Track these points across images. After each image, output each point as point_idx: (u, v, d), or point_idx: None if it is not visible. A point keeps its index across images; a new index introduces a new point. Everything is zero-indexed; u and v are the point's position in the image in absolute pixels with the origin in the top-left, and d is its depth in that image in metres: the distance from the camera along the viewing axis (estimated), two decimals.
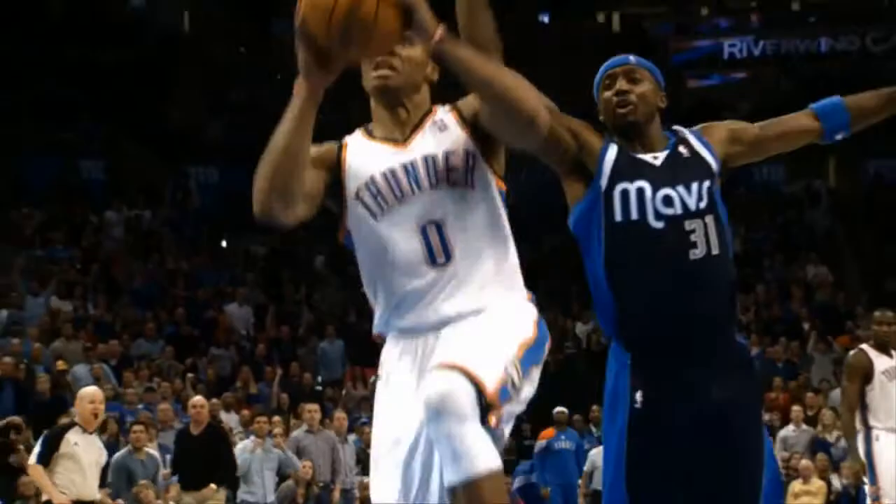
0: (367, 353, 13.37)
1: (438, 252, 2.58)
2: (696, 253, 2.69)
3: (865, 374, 7.50)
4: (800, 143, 3.08)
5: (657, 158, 2.85)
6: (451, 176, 2.61)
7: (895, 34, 24.04)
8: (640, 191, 2.75)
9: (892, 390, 7.41)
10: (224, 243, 21.10)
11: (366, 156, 2.63)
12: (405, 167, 2.57)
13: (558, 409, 14.64)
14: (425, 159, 2.57)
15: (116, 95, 22.14)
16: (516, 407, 2.50)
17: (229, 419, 13.89)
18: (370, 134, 2.68)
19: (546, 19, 25.34)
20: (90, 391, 8.52)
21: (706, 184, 2.76)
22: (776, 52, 24.08)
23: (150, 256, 18.96)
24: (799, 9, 26.16)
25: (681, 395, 2.72)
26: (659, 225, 2.73)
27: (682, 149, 2.87)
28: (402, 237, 2.58)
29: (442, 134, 2.62)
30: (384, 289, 2.63)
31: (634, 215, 2.74)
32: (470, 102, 2.62)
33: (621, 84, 2.88)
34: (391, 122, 2.64)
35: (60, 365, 14.18)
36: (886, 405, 7.34)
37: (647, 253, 2.73)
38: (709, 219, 2.73)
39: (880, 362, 7.50)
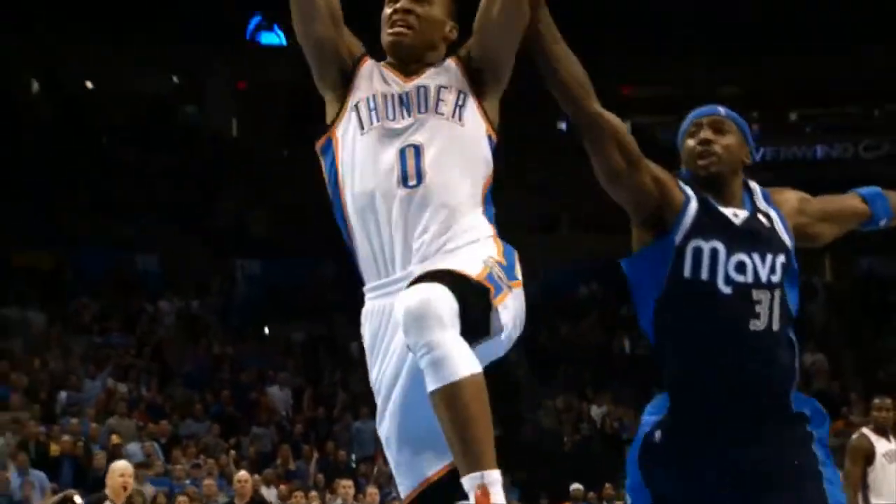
0: None
1: (411, 174, 2.58)
2: (757, 325, 2.57)
3: (867, 456, 7.85)
4: (849, 225, 2.99)
5: (737, 216, 2.73)
6: (440, 107, 2.66)
7: (886, 142, 25.45)
8: (714, 252, 2.64)
9: (892, 471, 7.79)
10: (266, 330, 21.72)
11: (375, 75, 2.72)
12: (401, 95, 2.66)
13: (575, 485, 14.96)
14: (418, 89, 2.66)
15: (170, 194, 23.15)
16: (508, 307, 2.47)
17: (269, 494, 14.10)
18: (386, 62, 2.76)
19: (564, 126, 26.36)
20: (120, 465, 8.56)
21: (780, 258, 2.66)
22: (775, 158, 25.35)
23: (199, 342, 19.49)
24: (796, 119, 27.76)
25: (713, 462, 2.58)
26: (727, 290, 2.61)
27: (760, 215, 2.75)
28: (380, 153, 2.61)
29: (439, 72, 2.70)
30: (353, 205, 2.64)
31: (704, 275, 2.62)
32: (471, 44, 2.74)
33: (706, 133, 2.79)
34: (401, 68, 2.74)
35: (115, 439, 14.53)
36: (888, 485, 7.72)
37: (707, 314, 2.60)
38: (777, 293, 2.61)
39: (881, 445, 7.86)
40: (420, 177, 2.56)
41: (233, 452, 15.82)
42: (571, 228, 25.83)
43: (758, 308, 2.56)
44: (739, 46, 23.79)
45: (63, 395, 16.25)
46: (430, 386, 2.21)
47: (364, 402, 17.87)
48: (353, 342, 19.95)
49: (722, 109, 2.84)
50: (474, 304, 2.30)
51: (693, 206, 2.67)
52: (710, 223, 2.65)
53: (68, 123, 23.85)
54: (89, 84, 26.45)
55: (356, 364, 19.92)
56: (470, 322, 2.27)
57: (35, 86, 26.24)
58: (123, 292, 20.56)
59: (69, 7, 23.48)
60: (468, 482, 2.18)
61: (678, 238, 2.63)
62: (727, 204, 2.72)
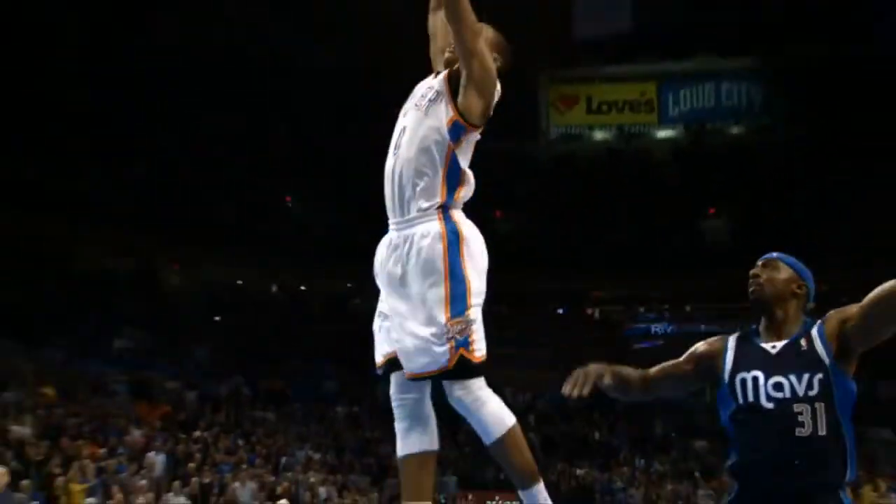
0: None
1: (395, 145, 3.50)
2: (802, 431, 2.93)
3: None
4: None
5: (775, 347, 3.17)
6: (420, 103, 3.49)
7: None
8: (755, 379, 3.09)
9: None
10: None
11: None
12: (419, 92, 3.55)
13: None
14: (420, 94, 3.51)
15: None
16: (475, 336, 3.25)
17: None
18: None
19: (562, 311, 34.19)
20: None
21: (818, 375, 3.00)
22: (680, 331, 30.62)
23: None
24: (690, 310, 32.56)
25: None
26: (769, 405, 3.03)
27: (802, 341, 3.13)
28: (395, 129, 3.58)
29: (439, 80, 3.47)
30: None
31: (751, 397, 3.08)
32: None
33: (756, 269, 3.25)
34: None
35: None
36: None
37: (759, 427, 3.02)
38: (818, 405, 2.95)
39: None
40: (397, 148, 3.46)
41: None
42: None
43: (801, 418, 2.93)
44: None
45: None
46: (485, 440, 3.24)
47: None
48: None
49: (776, 254, 3.30)
50: (467, 372, 3.19)
51: (731, 349, 3.21)
52: (748, 358, 3.13)
53: None
54: None
55: None
56: (470, 377, 3.21)
57: None
58: None
59: None
60: (528, 497, 3.23)
61: (727, 376, 3.14)
62: (772, 333, 3.17)
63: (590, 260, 29.85)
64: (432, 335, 3.20)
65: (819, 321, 3.09)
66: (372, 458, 22.71)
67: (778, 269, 3.21)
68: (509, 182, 29.30)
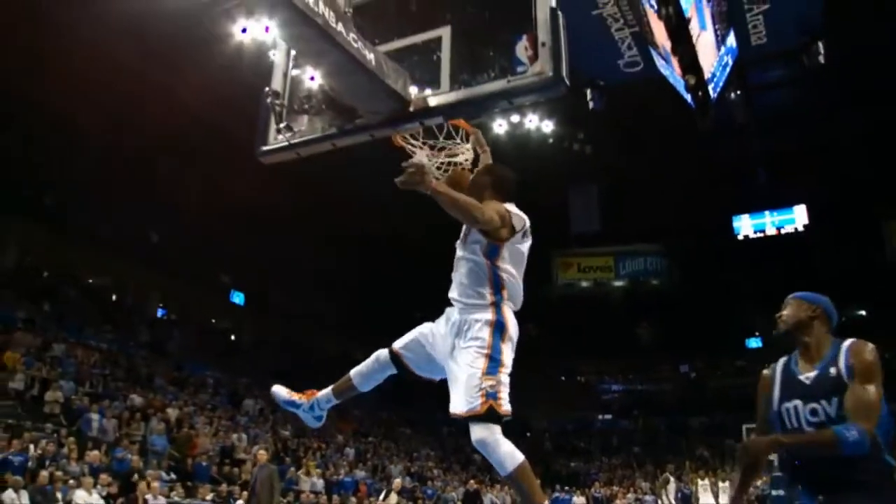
0: None
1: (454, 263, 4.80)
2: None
3: None
4: None
5: (809, 378, 3.69)
6: (461, 236, 4.70)
7: None
8: (796, 408, 3.63)
9: None
10: None
11: None
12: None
13: None
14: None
15: None
16: (502, 390, 4.31)
17: None
18: None
19: (563, 378, 46.48)
20: None
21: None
22: (624, 389, 44.05)
23: None
24: (631, 377, 45.54)
25: None
26: (810, 429, 3.55)
27: (832, 369, 3.60)
28: None
29: None
30: None
31: (794, 423, 3.61)
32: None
33: (781, 311, 3.90)
34: None
35: None
36: None
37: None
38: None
39: None
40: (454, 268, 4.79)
41: None
42: None
43: None
44: None
45: None
46: (501, 473, 4.20)
47: None
48: None
49: (794, 293, 3.99)
50: (493, 419, 4.21)
51: (777, 385, 3.86)
52: (789, 390, 3.74)
53: None
54: None
55: None
56: (494, 422, 4.26)
57: None
58: None
59: None
60: None
61: (775, 407, 3.80)
62: (807, 358, 3.81)
63: (580, 349, 43.62)
64: (472, 387, 4.23)
65: (846, 348, 3.71)
66: None
67: (792, 304, 3.96)
68: (536, 307, 45.00)
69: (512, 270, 4.66)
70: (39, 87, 25.95)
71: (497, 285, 4.62)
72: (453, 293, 4.73)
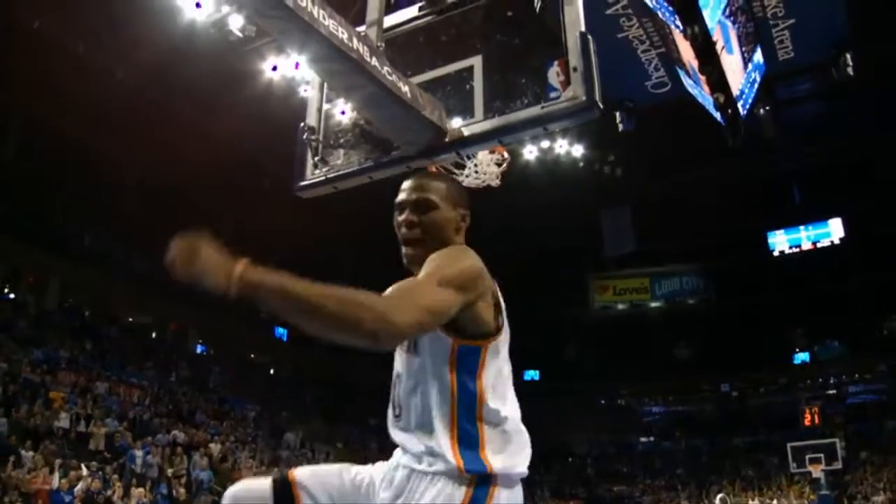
0: None
1: (395, 405, 2.71)
2: None
3: None
4: None
5: None
6: (406, 343, 2.63)
7: None
8: None
9: None
10: None
11: None
12: None
13: None
14: None
15: None
16: None
17: None
18: None
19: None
20: None
21: None
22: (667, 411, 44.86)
23: None
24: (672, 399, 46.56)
25: None
26: None
27: None
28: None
29: None
30: None
31: None
32: None
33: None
34: None
35: None
36: None
37: None
38: None
39: None
40: (399, 408, 2.73)
41: None
42: None
43: None
44: None
45: None
46: None
47: None
48: None
49: None
50: None
51: None
52: None
53: None
54: None
55: None
56: None
57: None
58: None
59: None
60: None
61: None
62: None
63: (619, 371, 42.80)
64: None
65: None
66: None
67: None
68: (574, 330, 44.07)
69: (508, 396, 2.67)
70: (80, 129, 26.81)
71: (475, 433, 2.56)
72: (396, 435, 2.77)
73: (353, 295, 2.24)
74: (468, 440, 2.54)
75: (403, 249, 2.82)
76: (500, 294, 2.70)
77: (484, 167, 5.97)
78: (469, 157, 5.97)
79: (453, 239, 2.82)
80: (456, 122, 4.43)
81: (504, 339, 2.67)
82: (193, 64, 23.69)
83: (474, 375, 2.57)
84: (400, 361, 2.76)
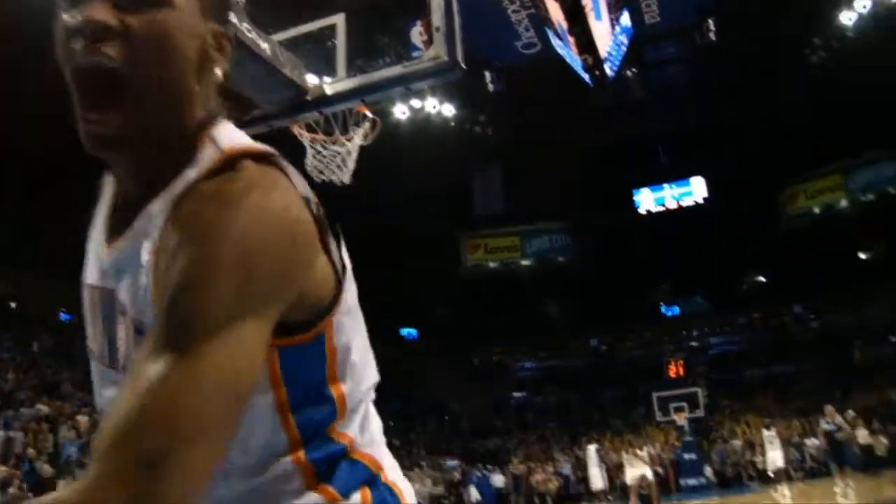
0: None
1: None
2: None
3: None
4: None
5: None
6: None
7: None
8: None
9: None
10: None
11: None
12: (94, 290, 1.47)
13: None
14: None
15: None
16: None
17: None
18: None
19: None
20: None
21: None
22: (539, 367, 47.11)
23: None
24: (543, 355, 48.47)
25: None
26: None
27: None
28: None
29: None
30: None
31: None
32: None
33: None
34: None
35: None
36: None
37: None
38: None
39: None
40: None
41: None
42: None
43: None
44: None
45: None
46: None
47: None
48: None
49: None
50: None
51: None
52: None
53: None
54: None
55: None
56: None
57: None
58: None
59: None
60: None
61: None
62: None
63: (491, 329, 42.79)
64: None
65: None
66: None
67: None
68: (446, 290, 42.83)
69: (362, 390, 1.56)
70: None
71: (328, 455, 1.47)
72: None
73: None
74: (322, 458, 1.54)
75: (82, 117, 1.27)
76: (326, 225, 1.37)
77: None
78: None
79: (193, 97, 1.36)
80: (318, 81, 4.31)
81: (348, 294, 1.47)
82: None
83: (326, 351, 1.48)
84: None
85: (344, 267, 1.44)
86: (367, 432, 1.55)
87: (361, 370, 1.53)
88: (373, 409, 1.62)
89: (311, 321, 1.37)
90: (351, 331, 1.47)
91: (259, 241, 1.18)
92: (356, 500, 1.45)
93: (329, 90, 4.28)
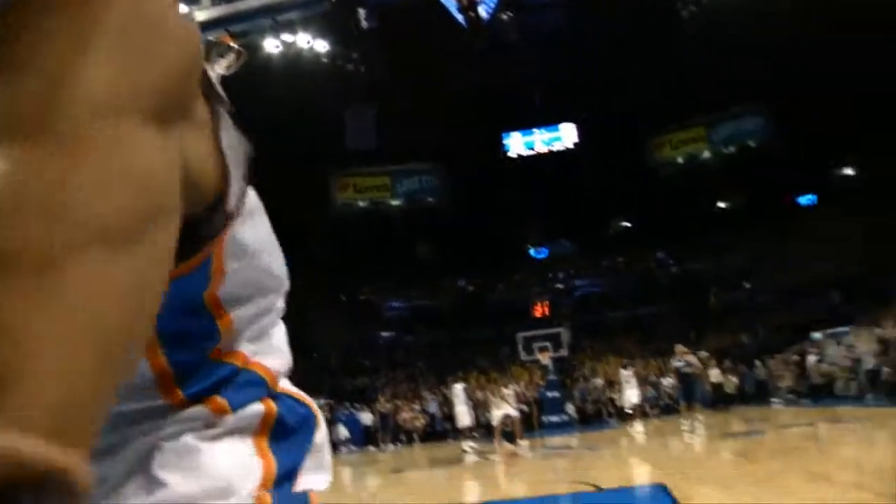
0: None
1: None
2: None
3: None
4: None
5: None
6: None
7: None
8: None
9: None
10: None
11: None
12: None
13: None
14: None
15: None
16: None
17: None
18: None
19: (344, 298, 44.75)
20: None
21: None
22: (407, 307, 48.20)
23: None
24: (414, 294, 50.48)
25: None
26: None
27: None
28: None
29: None
30: None
31: None
32: None
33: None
34: None
35: None
36: None
37: None
38: None
39: None
40: None
41: None
42: None
43: None
44: None
45: None
46: None
47: None
48: None
49: None
50: None
51: None
52: None
53: None
54: None
55: None
56: None
57: None
58: None
59: None
60: None
61: None
62: None
63: (360, 268, 43.09)
64: None
65: None
66: None
67: None
68: (315, 227, 40.91)
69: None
70: None
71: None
72: None
73: None
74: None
75: None
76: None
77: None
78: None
79: None
80: (182, 9, 4.14)
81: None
82: None
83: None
84: None
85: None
86: (262, 342, 1.19)
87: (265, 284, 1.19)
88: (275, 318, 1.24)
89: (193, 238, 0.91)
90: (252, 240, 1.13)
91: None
92: (257, 409, 1.12)
93: (194, 18, 4.03)
